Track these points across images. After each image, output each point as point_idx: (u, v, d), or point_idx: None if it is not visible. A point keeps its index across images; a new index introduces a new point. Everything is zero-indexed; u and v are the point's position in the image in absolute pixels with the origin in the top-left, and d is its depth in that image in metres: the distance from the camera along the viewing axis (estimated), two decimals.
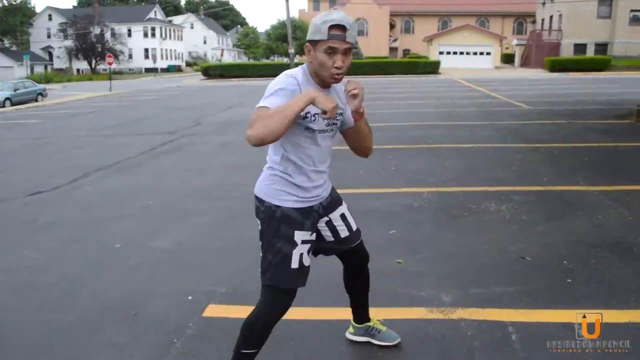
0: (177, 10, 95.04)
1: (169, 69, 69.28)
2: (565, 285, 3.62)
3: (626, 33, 45.79)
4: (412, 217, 5.20)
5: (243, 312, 3.24)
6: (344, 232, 2.55)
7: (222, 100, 21.63)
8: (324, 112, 2.04)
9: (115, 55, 44.93)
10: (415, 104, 17.51)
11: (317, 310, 3.35)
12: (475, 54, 54.84)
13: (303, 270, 2.36)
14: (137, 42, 68.44)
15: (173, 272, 4.09)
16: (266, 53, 62.57)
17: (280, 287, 2.33)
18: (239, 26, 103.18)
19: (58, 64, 66.17)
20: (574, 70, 38.86)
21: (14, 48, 66.71)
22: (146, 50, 69.40)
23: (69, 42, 61.27)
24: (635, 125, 11.26)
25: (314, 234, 2.43)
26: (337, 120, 2.35)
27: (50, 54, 69.04)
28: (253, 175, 2.53)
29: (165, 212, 5.76)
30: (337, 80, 2.25)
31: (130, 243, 4.79)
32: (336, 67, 2.18)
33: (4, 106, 24.69)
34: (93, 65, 61.99)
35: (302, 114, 2.18)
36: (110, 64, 36.44)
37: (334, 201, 2.54)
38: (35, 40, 70.13)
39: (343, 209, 2.58)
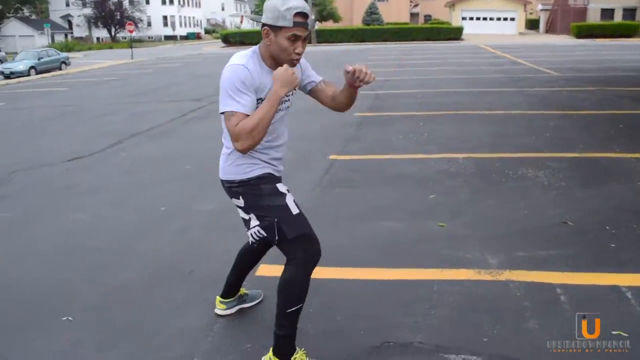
0: None
1: (188, 37, 69.02)
2: (609, 249, 3.66)
3: None
4: (450, 183, 5.24)
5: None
6: None
7: None
8: (296, 84, 2.22)
9: (135, 23, 44.83)
10: (440, 70, 17.33)
11: (370, 271, 3.44)
12: (498, 19, 53.75)
13: (303, 214, 2.39)
14: (155, 9, 68.07)
15: (221, 233, 4.20)
16: None
17: (297, 234, 2.32)
18: None
19: (78, 32, 66.22)
20: (601, 37, 38.03)
21: (34, 17, 66.82)
22: (165, 17, 69.07)
23: (87, 10, 61.15)
24: None
25: None
26: (290, 95, 2.39)
27: (70, 23, 69.04)
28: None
29: (205, 176, 5.85)
30: (295, 64, 2.29)
31: (175, 206, 4.91)
32: (297, 53, 2.23)
33: (29, 75, 24.92)
34: (113, 34, 61.94)
35: (260, 95, 2.24)
36: (131, 31, 36.48)
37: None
38: (53, 9, 70.10)
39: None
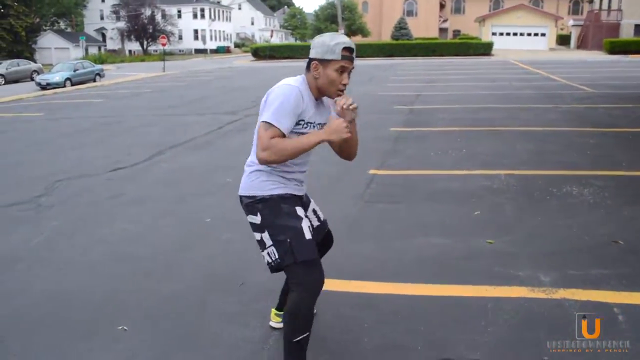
0: None
1: (218, 50, 69.96)
2: None
3: None
4: (494, 199, 5.20)
5: (345, 285, 3.39)
6: (315, 222, 2.71)
7: (275, 81, 21.46)
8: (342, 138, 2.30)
9: (167, 36, 45.72)
10: (472, 85, 17.25)
11: (420, 287, 3.42)
12: (529, 35, 53.34)
13: (313, 241, 2.44)
14: (186, 23, 69.20)
15: None
16: (314, 34, 62.36)
17: (305, 259, 2.35)
18: (285, 7, 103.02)
19: (111, 45, 67.64)
20: (634, 53, 37.39)
21: (69, 30, 68.52)
22: (195, 31, 70.17)
23: (121, 24, 62.48)
24: None
25: None
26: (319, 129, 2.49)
27: (104, 36, 70.60)
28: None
29: None
30: (340, 95, 2.40)
31: (220, 218, 4.97)
32: (343, 84, 2.39)
33: (64, 86, 25.48)
34: (145, 47, 63.14)
35: (302, 122, 2.40)
36: (164, 45, 37.09)
37: (308, 198, 2.73)
38: (88, 22, 71.83)
39: (313, 204, 2.76)
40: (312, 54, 2.39)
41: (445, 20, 65.64)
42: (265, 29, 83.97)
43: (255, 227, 2.49)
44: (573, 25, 54.29)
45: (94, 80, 27.99)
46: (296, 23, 74.20)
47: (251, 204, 2.49)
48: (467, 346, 2.72)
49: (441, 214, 4.82)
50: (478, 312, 3.06)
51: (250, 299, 3.33)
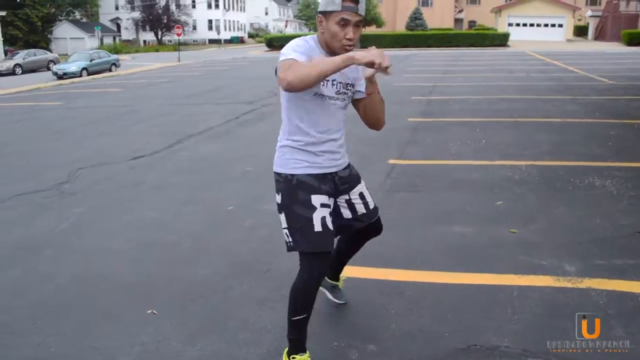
0: None
1: (232, 40, 69.98)
2: None
3: None
4: (516, 190, 5.19)
5: (370, 272, 3.42)
6: (361, 209, 2.59)
7: None
8: (374, 66, 2.04)
9: (182, 26, 45.83)
10: (490, 76, 17.12)
11: (445, 274, 3.44)
12: (546, 25, 52.70)
13: (327, 233, 2.37)
14: (201, 13, 69.25)
15: None
16: None
17: (309, 251, 2.36)
18: None
19: (126, 35, 67.90)
20: None
21: (84, 20, 68.82)
22: (210, 21, 70.23)
23: (136, 14, 62.67)
24: None
25: (332, 199, 2.47)
26: (348, 90, 2.40)
27: (118, 26, 70.87)
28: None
29: (267, 178, 5.85)
30: (348, 52, 2.23)
31: (242, 205, 5.00)
32: (347, 39, 2.22)
33: (80, 75, 25.67)
34: (159, 37, 63.31)
35: None
36: (179, 35, 37.22)
37: (353, 177, 2.58)
38: (103, 12, 72.06)
39: (361, 187, 2.61)
40: (319, 8, 2.28)
41: (460, 11, 65.05)
42: (279, 19, 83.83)
43: (277, 206, 2.48)
44: (591, 16, 53.59)
45: (110, 70, 28.19)
46: (310, 13, 73.88)
47: (276, 181, 2.45)
48: (495, 333, 2.73)
49: (463, 203, 4.82)
50: (504, 299, 3.07)
51: (276, 285, 3.36)
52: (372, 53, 2.05)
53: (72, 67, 26.04)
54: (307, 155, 2.39)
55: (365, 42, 42.21)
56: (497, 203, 4.79)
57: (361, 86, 2.42)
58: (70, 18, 65.76)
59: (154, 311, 3.11)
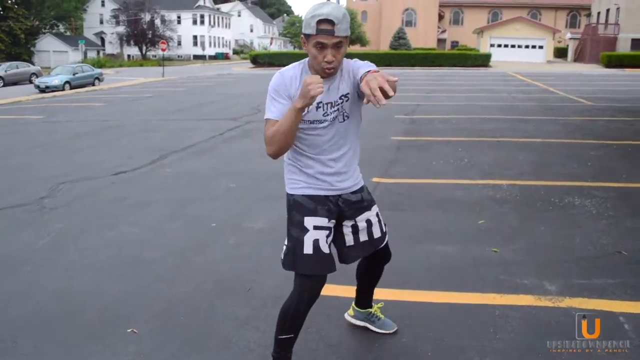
0: None
1: (217, 57, 70.11)
2: None
3: None
4: (497, 209, 5.24)
5: (353, 292, 3.40)
6: (363, 238, 2.52)
7: None
8: (310, 96, 2.06)
9: (166, 41, 45.78)
10: (472, 96, 17.35)
11: (428, 293, 3.45)
12: (527, 47, 53.68)
13: (320, 255, 2.34)
14: (186, 29, 69.38)
15: (274, 251, 4.22)
16: None
17: (298, 272, 2.38)
18: (285, 15, 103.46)
19: (110, 49, 67.76)
20: (631, 67, 37.71)
21: (68, 33, 68.57)
22: (195, 37, 70.34)
23: (120, 28, 62.59)
24: None
25: (333, 222, 2.42)
26: (336, 106, 2.31)
27: (103, 40, 70.70)
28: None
29: (250, 195, 5.95)
30: (329, 74, 2.23)
31: (225, 223, 4.99)
32: (326, 61, 2.18)
33: (63, 89, 25.47)
34: (143, 51, 63.23)
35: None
36: (164, 50, 37.14)
37: (363, 204, 2.51)
38: (88, 26, 71.92)
39: (370, 214, 2.53)
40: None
41: (443, 31, 65.99)
42: (264, 36, 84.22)
43: None
44: (570, 39, 54.69)
45: (93, 84, 27.99)
46: (295, 31, 74.37)
47: (286, 200, 2.48)
48: (478, 352, 2.75)
49: (446, 222, 4.86)
50: (486, 319, 3.09)
51: (259, 304, 3.35)
52: (303, 93, 2.08)
53: (55, 80, 25.82)
54: (305, 176, 2.39)
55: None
56: (479, 222, 4.84)
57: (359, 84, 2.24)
58: (54, 31, 65.58)
59: (135, 330, 3.07)
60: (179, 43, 67.95)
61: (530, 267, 3.82)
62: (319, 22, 2.11)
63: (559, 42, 58.53)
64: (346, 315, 3.03)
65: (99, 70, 30.51)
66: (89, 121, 13.06)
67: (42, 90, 24.83)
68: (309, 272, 2.36)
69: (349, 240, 2.51)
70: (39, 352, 2.89)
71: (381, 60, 43.14)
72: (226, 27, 78.11)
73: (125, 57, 65.54)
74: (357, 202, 2.48)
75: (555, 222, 4.84)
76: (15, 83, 30.86)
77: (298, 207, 2.38)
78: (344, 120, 2.36)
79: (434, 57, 43.41)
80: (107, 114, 14.57)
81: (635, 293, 3.40)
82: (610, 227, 4.70)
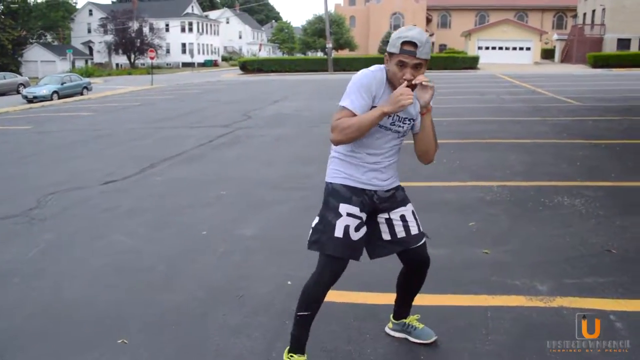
0: (213, 5, 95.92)
1: (206, 64, 70.06)
2: None
3: None
4: (488, 210, 5.26)
5: (345, 297, 3.40)
6: (400, 233, 2.61)
7: (265, 95, 21.83)
8: (400, 105, 2.29)
9: (155, 50, 45.69)
10: (462, 99, 17.42)
11: (420, 296, 3.45)
12: (514, 49, 54.08)
13: (348, 241, 2.48)
14: (174, 36, 69.30)
15: (266, 258, 4.25)
16: (302, 48, 62.78)
17: (324, 253, 2.51)
18: (273, 21, 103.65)
19: (98, 58, 67.48)
20: (617, 67, 38.05)
21: (56, 43, 68.31)
22: (183, 45, 70.26)
23: (108, 37, 62.41)
24: None
25: (364, 214, 2.54)
26: (405, 123, 2.52)
27: (91, 49, 70.45)
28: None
29: (241, 201, 5.93)
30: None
31: (216, 230, 4.97)
32: (405, 79, 2.35)
33: (51, 99, 25.35)
34: (132, 60, 63.08)
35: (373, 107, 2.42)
36: (152, 58, 37.06)
37: (397, 199, 2.63)
38: (76, 35, 71.68)
39: (405, 210, 2.64)
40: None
41: (431, 35, 66.26)
42: (253, 42, 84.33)
43: None
44: (557, 40, 55.13)
45: (82, 94, 27.87)
46: (284, 37, 74.66)
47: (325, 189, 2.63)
48: (470, 354, 2.75)
49: (437, 225, 4.85)
50: (478, 320, 3.09)
51: (251, 312, 3.34)
52: (394, 100, 2.29)
53: (43, 90, 25.69)
54: (347, 167, 2.55)
55: (338, 65, 42.76)
56: (470, 224, 4.85)
57: (419, 121, 2.56)
58: (41, 41, 65.31)
59: (125, 341, 3.05)
60: (168, 51, 67.89)
61: (521, 268, 3.83)
62: (404, 43, 2.32)
63: (546, 43, 58.97)
64: (386, 329, 3.01)
65: (87, 80, 30.41)
66: (78, 131, 12.99)
67: (30, 100, 24.70)
68: (336, 254, 2.49)
69: (385, 233, 2.62)
70: None
71: (369, 64, 43.06)
72: (215, 34, 78.08)
73: (114, 66, 65.34)
74: (391, 198, 2.61)
75: (546, 222, 4.86)
76: (2, 94, 30.67)
77: (335, 194, 2.54)
78: (401, 135, 2.58)
79: None
80: (96, 123, 14.50)
81: (625, 291, 3.42)
82: (599, 226, 4.73)
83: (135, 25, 61.77)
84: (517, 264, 3.92)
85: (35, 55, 60.88)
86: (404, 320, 2.93)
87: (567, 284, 3.57)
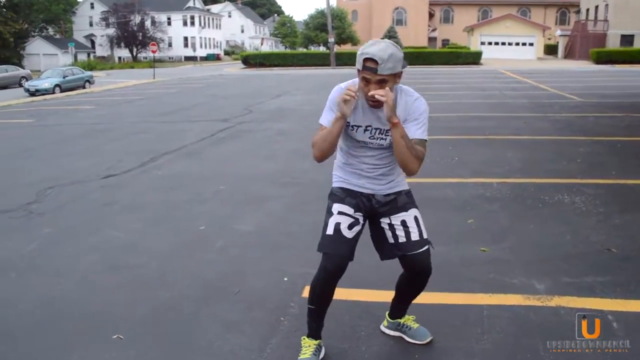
0: None
1: (208, 58, 69.96)
2: None
3: None
4: (487, 207, 5.23)
5: (340, 294, 3.36)
6: (402, 238, 2.58)
7: (267, 89, 21.76)
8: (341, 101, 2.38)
9: (157, 43, 45.58)
10: (463, 94, 17.37)
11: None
12: (517, 44, 53.84)
13: (340, 238, 2.50)
14: (176, 30, 69.18)
15: (262, 253, 4.23)
16: (305, 42, 62.58)
17: (319, 250, 2.56)
18: (275, 15, 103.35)
19: (100, 51, 67.41)
20: (620, 63, 37.88)
21: (58, 36, 68.23)
22: (185, 38, 70.16)
23: (110, 31, 62.30)
24: None
25: (360, 214, 2.59)
26: (387, 135, 2.49)
27: (93, 42, 70.38)
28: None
29: (239, 196, 5.91)
30: (373, 105, 2.42)
31: (214, 225, 4.95)
32: (369, 95, 2.36)
33: (53, 92, 25.33)
34: (134, 54, 62.99)
35: (347, 124, 2.51)
36: (154, 52, 37.03)
37: (397, 204, 2.61)
38: (77, 28, 71.62)
39: (406, 215, 2.60)
40: None
41: (434, 30, 66.08)
42: (255, 36, 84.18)
43: None
44: (560, 35, 54.91)
45: (84, 87, 27.86)
46: (286, 31, 74.39)
47: None
48: (465, 354, 2.72)
49: (435, 222, 4.80)
50: (474, 319, 3.07)
51: (245, 307, 3.32)
52: (342, 107, 2.37)
53: (45, 83, 25.70)
54: (344, 173, 2.65)
55: (340, 60, 42.67)
56: (469, 221, 4.82)
57: (407, 130, 2.49)
58: (43, 34, 65.23)
59: (120, 336, 3.03)
60: (170, 45, 67.80)
61: (520, 266, 3.81)
62: (365, 59, 2.32)
63: (549, 39, 58.75)
64: (381, 326, 2.99)
65: (89, 73, 30.40)
66: (79, 124, 12.97)
67: (32, 93, 24.69)
68: (325, 250, 2.52)
69: (390, 237, 2.62)
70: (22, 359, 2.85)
71: None
72: (217, 27, 77.94)
73: (116, 60, 65.27)
74: (391, 202, 2.62)
75: (545, 220, 4.83)
76: (4, 87, 30.68)
77: (332, 196, 2.65)
78: (385, 147, 2.55)
79: (425, 55, 43.44)
80: (97, 116, 14.47)
81: (623, 291, 3.39)
82: (599, 224, 4.70)
83: (137, 18, 61.63)
84: (515, 262, 3.89)
85: (38, 48, 60.84)
86: (399, 320, 2.91)
87: (565, 282, 3.54)
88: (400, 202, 2.62)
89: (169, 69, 48.37)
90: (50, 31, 68.63)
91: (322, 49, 59.82)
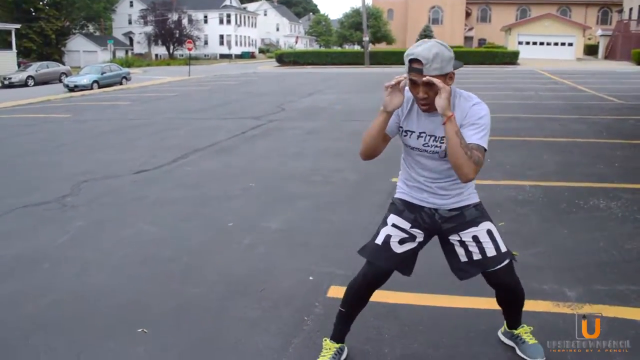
0: None
1: (243, 56, 70.50)
2: None
3: None
4: (519, 210, 5.14)
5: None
6: (476, 255, 2.46)
7: (300, 87, 21.82)
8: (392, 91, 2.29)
9: (193, 41, 46.10)
10: (498, 95, 17.08)
11: (442, 298, 3.38)
12: (556, 44, 52.75)
13: (388, 251, 2.46)
14: (212, 28, 69.96)
15: (289, 252, 4.24)
16: (339, 41, 62.49)
17: (363, 255, 2.55)
18: (311, 14, 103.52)
19: (138, 49, 68.60)
20: None
21: (98, 34, 69.63)
22: (221, 36, 70.83)
23: (148, 28, 63.31)
24: None
25: (418, 231, 2.49)
26: (442, 142, 2.34)
27: (131, 40, 71.67)
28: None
29: (269, 194, 5.94)
30: (424, 109, 2.32)
31: (242, 222, 4.98)
32: (418, 98, 2.27)
33: (91, 88, 25.88)
34: (171, 51, 63.88)
35: (401, 129, 2.45)
36: (190, 49, 37.43)
37: (465, 218, 2.47)
38: (117, 26, 73.01)
39: (477, 230, 2.46)
40: None
41: (470, 29, 65.26)
42: (290, 35, 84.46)
43: None
44: (601, 35, 53.57)
45: (121, 83, 28.38)
46: (321, 30, 74.41)
47: None
48: None
49: None
50: (501, 325, 3.00)
51: (271, 305, 3.33)
52: (385, 98, 2.29)
53: (84, 79, 26.26)
54: (405, 185, 2.58)
55: (374, 59, 42.50)
56: (500, 224, 4.72)
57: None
58: (84, 32, 66.62)
59: (145, 330, 3.07)
60: (206, 42, 68.56)
61: (550, 272, 3.72)
62: (411, 61, 2.24)
63: (589, 39, 57.37)
64: (499, 332, 2.92)
65: (126, 70, 30.93)
66: (114, 120, 13.23)
67: (71, 89, 25.28)
68: (368, 258, 2.52)
69: (462, 256, 2.50)
70: (50, 349, 2.91)
71: None
72: (252, 26, 78.50)
73: (153, 57, 66.29)
74: (457, 217, 2.47)
75: (579, 225, 4.71)
76: (45, 82, 31.45)
77: (391, 206, 2.60)
78: (444, 157, 2.37)
79: (461, 54, 42.82)
80: (132, 112, 14.74)
81: None
82: (635, 231, 4.56)
83: (174, 16, 62.48)
84: (546, 267, 3.81)
85: (78, 45, 62.22)
86: (514, 331, 2.80)
87: (597, 290, 3.45)
88: (468, 216, 2.47)
89: (204, 66, 48.91)
90: (91, 29, 70.05)
91: (356, 47, 59.66)
